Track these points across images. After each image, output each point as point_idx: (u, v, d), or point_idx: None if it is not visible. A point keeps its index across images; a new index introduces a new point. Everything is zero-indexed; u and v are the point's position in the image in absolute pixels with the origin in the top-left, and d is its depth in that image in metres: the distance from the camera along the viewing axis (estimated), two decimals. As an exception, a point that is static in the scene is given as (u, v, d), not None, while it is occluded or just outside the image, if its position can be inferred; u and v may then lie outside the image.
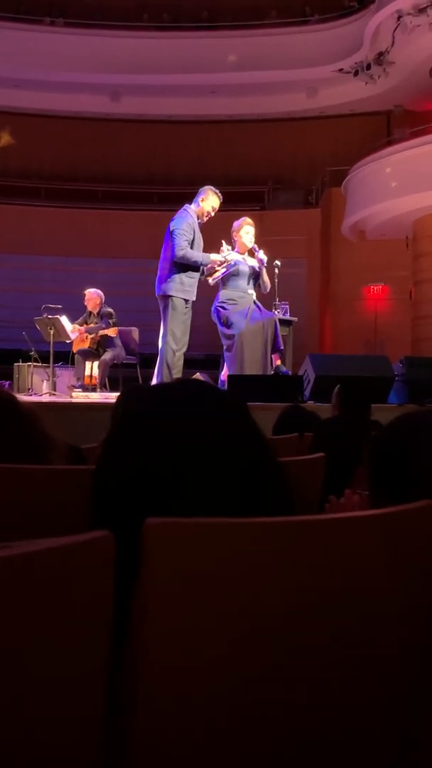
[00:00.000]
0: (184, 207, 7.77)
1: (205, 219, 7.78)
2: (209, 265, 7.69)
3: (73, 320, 10.21)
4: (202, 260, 7.58)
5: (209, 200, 7.76)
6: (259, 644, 0.97)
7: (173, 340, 7.60)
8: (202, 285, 7.88)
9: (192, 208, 7.72)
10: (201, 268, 7.65)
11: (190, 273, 7.58)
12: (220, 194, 7.83)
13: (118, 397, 3.91)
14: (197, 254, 7.55)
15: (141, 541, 0.89)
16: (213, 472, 1.03)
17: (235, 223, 8.21)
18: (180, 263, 7.49)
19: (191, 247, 7.54)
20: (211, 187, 7.88)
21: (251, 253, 8.10)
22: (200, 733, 0.95)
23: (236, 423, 1.10)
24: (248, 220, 8.23)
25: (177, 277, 7.54)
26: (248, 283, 8.02)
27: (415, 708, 1.14)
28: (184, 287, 7.57)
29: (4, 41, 18.57)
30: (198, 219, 7.70)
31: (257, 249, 8.05)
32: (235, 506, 1.01)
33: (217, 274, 7.81)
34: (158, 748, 0.92)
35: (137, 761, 0.92)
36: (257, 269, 8.04)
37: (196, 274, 7.65)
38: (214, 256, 7.70)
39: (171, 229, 7.56)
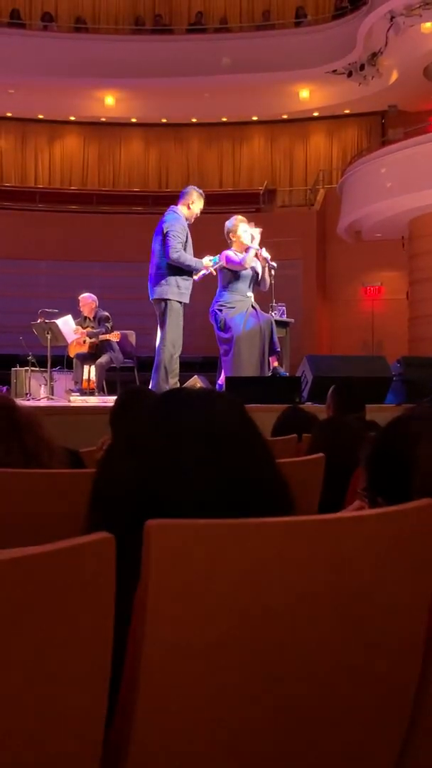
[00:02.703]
0: (171, 209, 7.63)
1: (192, 221, 7.70)
2: (202, 269, 7.57)
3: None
4: (195, 265, 7.46)
5: (197, 203, 7.65)
6: (258, 642, 0.97)
7: (172, 344, 7.53)
8: (201, 287, 7.85)
9: (181, 211, 7.61)
10: (194, 270, 7.53)
11: (185, 276, 7.47)
12: (203, 194, 7.76)
13: (117, 400, 3.90)
14: (191, 258, 7.43)
15: (142, 543, 0.89)
16: (213, 478, 1.03)
17: (228, 224, 8.05)
18: (174, 266, 7.39)
19: (184, 250, 7.50)
20: (196, 188, 7.77)
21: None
22: (199, 730, 0.95)
23: (237, 428, 1.10)
24: (240, 217, 8.09)
25: (173, 279, 7.42)
26: (249, 287, 7.99)
27: (418, 700, 1.14)
28: (180, 290, 7.46)
29: (-2, 46, 18.59)
30: (186, 221, 7.65)
31: (259, 248, 7.97)
32: (234, 509, 1.01)
33: (204, 271, 7.69)
34: (155, 751, 0.92)
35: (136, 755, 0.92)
36: (258, 271, 8.00)
37: (190, 278, 7.54)
38: (206, 261, 7.59)
39: (165, 230, 7.41)
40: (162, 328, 7.55)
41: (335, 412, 4.17)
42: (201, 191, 7.72)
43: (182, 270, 7.43)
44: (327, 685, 1.04)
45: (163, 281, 7.45)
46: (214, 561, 0.92)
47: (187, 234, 7.48)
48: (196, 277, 7.64)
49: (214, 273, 7.71)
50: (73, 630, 0.85)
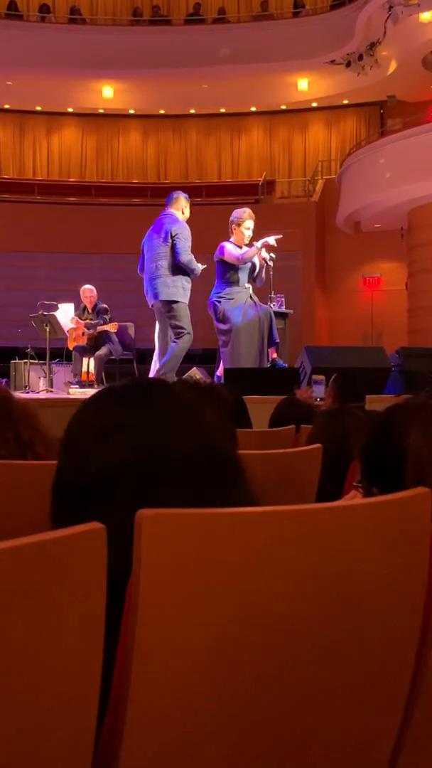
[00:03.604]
0: (170, 213, 7.77)
1: None
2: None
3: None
4: (197, 271, 7.64)
5: (187, 208, 7.85)
6: (253, 631, 0.97)
7: (189, 340, 7.75)
8: (199, 279, 7.94)
9: (178, 215, 7.76)
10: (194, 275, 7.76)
11: (188, 278, 7.68)
12: (189, 198, 7.96)
13: None
14: (197, 265, 7.60)
15: (134, 532, 0.89)
16: (167, 468, 1.04)
17: (237, 213, 8.12)
18: (181, 268, 7.56)
19: None
20: (182, 194, 7.95)
21: (249, 245, 8.06)
22: (193, 722, 0.95)
23: (190, 421, 1.10)
24: (250, 213, 8.15)
25: (179, 281, 7.62)
26: (246, 277, 8.01)
27: (414, 688, 1.15)
28: (186, 292, 7.68)
29: (-5, 38, 18.55)
30: None
31: (271, 256, 8.02)
32: (186, 499, 1.01)
33: None
34: (148, 745, 0.93)
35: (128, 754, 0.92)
36: (255, 264, 8.03)
37: (191, 280, 7.76)
38: (201, 268, 7.72)
39: (174, 233, 7.55)
40: (174, 326, 7.72)
41: (335, 402, 4.17)
42: (186, 195, 7.92)
43: (185, 272, 7.62)
44: (324, 673, 1.05)
45: (170, 282, 7.61)
46: (206, 551, 0.92)
47: (190, 238, 7.65)
48: None
49: None
50: (64, 621, 0.85)
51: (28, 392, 9.59)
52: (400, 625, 1.11)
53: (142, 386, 1.14)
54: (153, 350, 8.32)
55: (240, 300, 7.89)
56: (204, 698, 0.95)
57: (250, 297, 8.00)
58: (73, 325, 10.14)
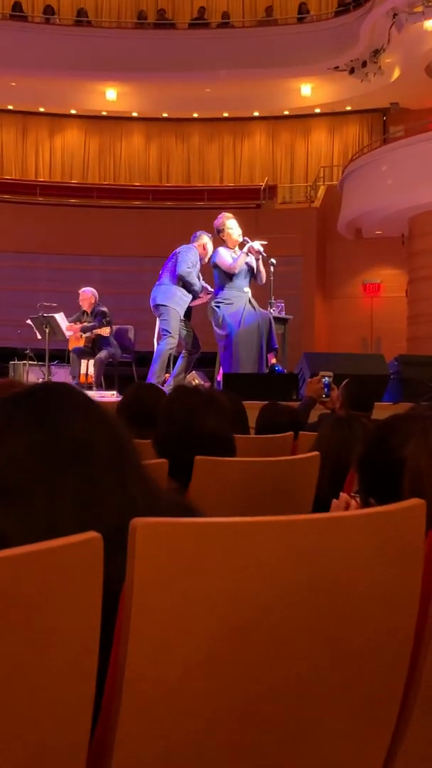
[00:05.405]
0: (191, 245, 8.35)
1: (203, 262, 8.31)
2: (198, 296, 8.31)
3: (68, 318, 10.25)
4: (196, 286, 8.17)
5: (209, 244, 8.29)
6: (244, 640, 0.97)
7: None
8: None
9: (196, 248, 8.27)
10: (193, 293, 8.25)
11: (186, 291, 8.19)
12: (212, 237, 8.38)
13: (129, 394, 3.75)
14: (195, 280, 8.15)
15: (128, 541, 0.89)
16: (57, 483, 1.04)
17: (216, 223, 8.26)
18: (181, 280, 8.09)
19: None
20: (206, 233, 8.40)
21: (241, 246, 8.07)
22: (185, 728, 0.95)
23: (83, 432, 1.10)
24: (227, 214, 8.31)
25: (177, 290, 8.13)
26: (245, 281, 8.01)
27: (406, 702, 1.15)
28: (179, 301, 8.14)
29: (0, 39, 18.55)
30: (200, 256, 8.26)
31: (249, 240, 8.04)
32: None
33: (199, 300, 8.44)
34: (141, 749, 0.93)
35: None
36: (252, 265, 8.03)
37: (190, 296, 8.24)
38: (199, 286, 8.22)
39: (179, 250, 8.20)
40: (161, 329, 8.27)
41: (343, 408, 4.13)
42: (210, 235, 8.40)
43: (185, 286, 8.16)
44: (316, 682, 1.05)
45: (165, 289, 8.17)
46: (199, 559, 0.92)
47: (197, 264, 8.22)
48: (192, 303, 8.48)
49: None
50: (60, 629, 0.85)
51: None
52: (392, 636, 1.11)
53: (38, 388, 1.16)
54: (152, 353, 8.38)
55: (238, 305, 7.89)
56: (195, 705, 0.95)
57: (249, 302, 8.00)
58: (71, 333, 10.15)
